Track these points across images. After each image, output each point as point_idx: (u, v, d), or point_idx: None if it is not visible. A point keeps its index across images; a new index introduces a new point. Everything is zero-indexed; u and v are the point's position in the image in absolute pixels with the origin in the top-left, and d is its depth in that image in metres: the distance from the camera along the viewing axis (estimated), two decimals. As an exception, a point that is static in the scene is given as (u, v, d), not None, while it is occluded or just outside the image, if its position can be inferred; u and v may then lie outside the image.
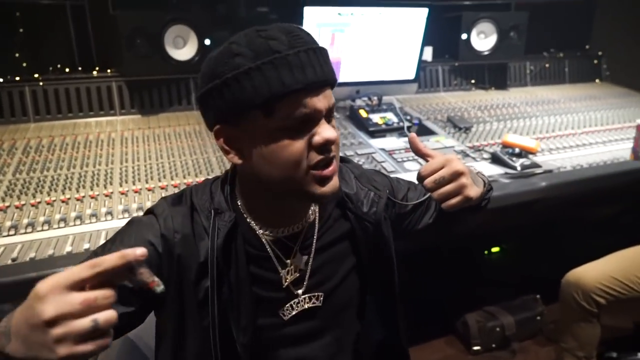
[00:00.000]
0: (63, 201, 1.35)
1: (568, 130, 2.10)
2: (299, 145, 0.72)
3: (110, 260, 0.52)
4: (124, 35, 1.76)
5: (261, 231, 0.83)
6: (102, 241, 1.18)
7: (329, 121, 0.75)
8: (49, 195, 1.37)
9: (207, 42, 1.91)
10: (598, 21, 2.91)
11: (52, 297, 0.49)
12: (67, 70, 1.92)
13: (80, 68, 1.96)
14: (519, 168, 1.65)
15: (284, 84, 0.69)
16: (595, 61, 2.77)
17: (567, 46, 2.76)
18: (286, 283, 0.84)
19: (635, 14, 2.70)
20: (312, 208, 0.87)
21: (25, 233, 1.21)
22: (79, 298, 0.50)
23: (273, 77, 0.69)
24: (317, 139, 0.72)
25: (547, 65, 2.65)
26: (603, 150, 1.94)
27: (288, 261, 0.84)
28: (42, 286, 0.50)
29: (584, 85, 2.71)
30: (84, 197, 1.37)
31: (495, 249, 2.54)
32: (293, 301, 0.85)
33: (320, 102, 0.72)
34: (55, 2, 2.00)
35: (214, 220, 0.79)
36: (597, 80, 2.77)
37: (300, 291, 0.85)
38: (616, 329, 1.90)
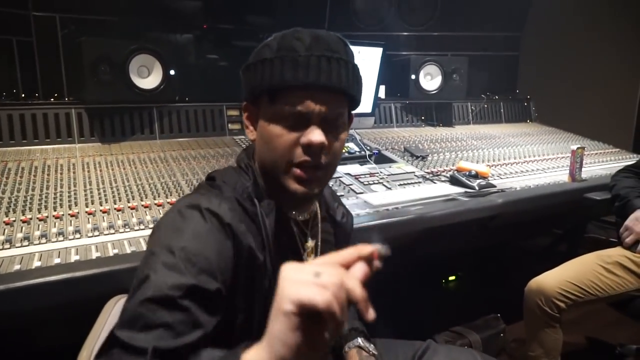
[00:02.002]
0: (24, 221, 1.26)
1: (511, 160, 2.28)
2: (289, 138, 0.76)
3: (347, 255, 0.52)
4: (87, 61, 1.74)
5: (289, 214, 0.85)
6: (72, 258, 1.11)
7: (329, 128, 0.77)
8: (6, 216, 1.27)
9: (172, 72, 1.93)
10: (523, 70, 3.29)
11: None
12: (23, 96, 1.84)
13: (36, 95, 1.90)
14: (476, 187, 1.77)
15: (283, 79, 0.75)
16: (525, 104, 3.09)
17: (500, 91, 3.07)
18: None
19: (555, 64, 3.08)
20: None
21: (-16, 252, 1.12)
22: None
23: (278, 70, 0.75)
24: (303, 139, 0.76)
25: (485, 106, 2.91)
26: (544, 175, 2.12)
27: (306, 244, 0.87)
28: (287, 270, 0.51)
29: (518, 125, 2.99)
30: (47, 217, 1.29)
31: (452, 278, 2.63)
32: None
33: (316, 105, 0.75)
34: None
35: (260, 207, 0.79)
36: (528, 121, 3.07)
37: None
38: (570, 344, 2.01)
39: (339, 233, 0.98)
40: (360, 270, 0.51)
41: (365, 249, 0.52)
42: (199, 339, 0.62)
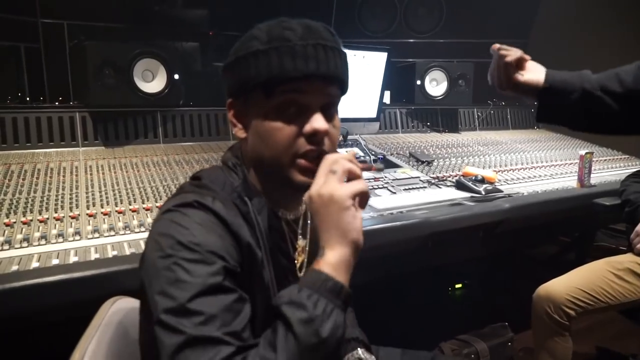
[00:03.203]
0: (24, 223, 1.25)
1: (519, 166, 2.25)
2: (290, 130, 0.75)
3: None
4: (91, 65, 1.74)
5: (279, 213, 0.83)
6: (71, 259, 1.10)
7: (327, 115, 0.77)
8: (7, 217, 1.26)
9: (176, 76, 1.93)
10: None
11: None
12: (27, 99, 1.85)
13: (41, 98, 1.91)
14: (483, 192, 1.74)
15: (283, 70, 0.72)
16: (532, 110, 3.05)
17: (507, 97, 3.03)
18: (298, 265, 0.84)
19: (561, 68, 3.05)
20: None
21: (-17, 253, 1.11)
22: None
23: (275, 62, 0.73)
24: (307, 127, 0.75)
25: (492, 112, 2.88)
26: (552, 181, 2.09)
27: (298, 242, 0.85)
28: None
29: (525, 131, 2.96)
30: (47, 219, 1.28)
31: (458, 286, 2.59)
32: None
33: (318, 94, 0.75)
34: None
35: (251, 206, 0.77)
36: (535, 127, 3.04)
37: (302, 274, 0.84)
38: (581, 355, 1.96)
39: None
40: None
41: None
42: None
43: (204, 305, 0.62)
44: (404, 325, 2.11)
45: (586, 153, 1.97)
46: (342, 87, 0.80)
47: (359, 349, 1.00)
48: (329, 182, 0.68)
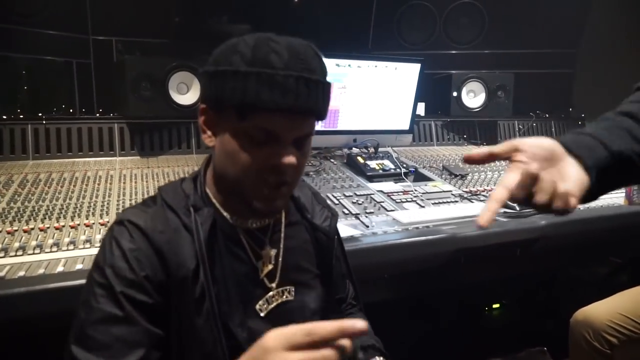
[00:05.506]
0: (57, 228, 1.31)
1: (561, 181, 2.13)
2: (257, 157, 0.73)
3: (326, 330, 0.52)
4: (129, 78, 1.82)
5: (235, 222, 0.83)
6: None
7: (298, 146, 0.76)
8: (42, 222, 1.33)
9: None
10: (578, 88, 3.10)
11: (276, 354, 0.53)
12: (72, 111, 1.96)
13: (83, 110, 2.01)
14: (517, 207, 1.66)
15: (259, 99, 0.70)
16: (580, 123, 2.90)
17: (552, 110, 2.90)
18: (262, 275, 0.83)
19: (613, 82, 2.88)
20: None
21: (16, 256, 1.17)
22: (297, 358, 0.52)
23: (253, 88, 0.70)
24: (275, 161, 0.73)
25: (534, 125, 2.76)
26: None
27: (263, 252, 0.84)
28: (268, 342, 0.55)
29: (571, 144, 2.81)
30: (78, 225, 1.34)
31: (496, 305, 2.47)
32: (268, 295, 0.83)
33: (292, 128, 0.73)
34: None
35: (195, 216, 0.77)
36: (582, 140, 2.87)
37: (274, 284, 0.84)
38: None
39: (319, 238, 0.93)
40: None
41: (347, 324, 0.52)
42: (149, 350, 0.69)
43: (100, 332, 0.67)
44: (435, 345, 2.04)
45: (635, 168, 1.84)
46: (320, 118, 0.78)
47: (377, 357, 0.98)
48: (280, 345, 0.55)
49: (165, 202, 0.79)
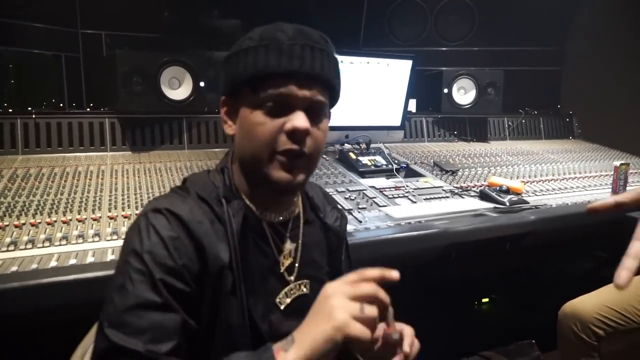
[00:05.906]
0: (49, 223, 1.30)
1: (549, 177, 2.17)
2: (272, 125, 0.75)
3: (372, 273, 0.66)
4: (120, 73, 1.81)
5: (260, 215, 0.83)
6: (88, 260, 1.13)
7: (312, 117, 0.77)
8: (34, 217, 1.32)
9: (202, 84, 1.97)
10: (566, 85, 3.14)
11: (336, 298, 0.64)
12: (62, 105, 1.93)
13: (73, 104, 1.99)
14: (507, 203, 1.68)
15: (267, 66, 0.74)
16: (567, 119, 2.94)
17: (541, 106, 2.94)
18: (283, 269, 0.84)
19: (600, 79, 2.93)
20: (294, 199, 0.89)
21: (8, 251, 1.15)
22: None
23: (262, 58, 0.75)
24: (288, 125, 0.75)
25: (523, 121, 2.79)
26: (584, 193, 2.00)
27: (284, 246, 0.85)
28: (328, 290, 0.66)
29: (559, 141, 2.85)
30: (70, 220, 1.33)
31: (485, 300, 2.50)
32: (287, 288, 0.85)
33: (300, 91, 0.75)
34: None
35: (227, 208, 0.78)
36: (570, 137, 2.92)
37: (292, 277, 0.85)
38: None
39: (331, 237, 0.95)
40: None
41: (387, 271, 0.66)
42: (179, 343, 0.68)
43: (137, 317, 0.66)
44: (425, 339, 2.06)
45: (621, 164, 1.88)
46: (332, 93, 0.80)
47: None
48: (348, 305, 0.63)
49: (197, 193, 0.79)
